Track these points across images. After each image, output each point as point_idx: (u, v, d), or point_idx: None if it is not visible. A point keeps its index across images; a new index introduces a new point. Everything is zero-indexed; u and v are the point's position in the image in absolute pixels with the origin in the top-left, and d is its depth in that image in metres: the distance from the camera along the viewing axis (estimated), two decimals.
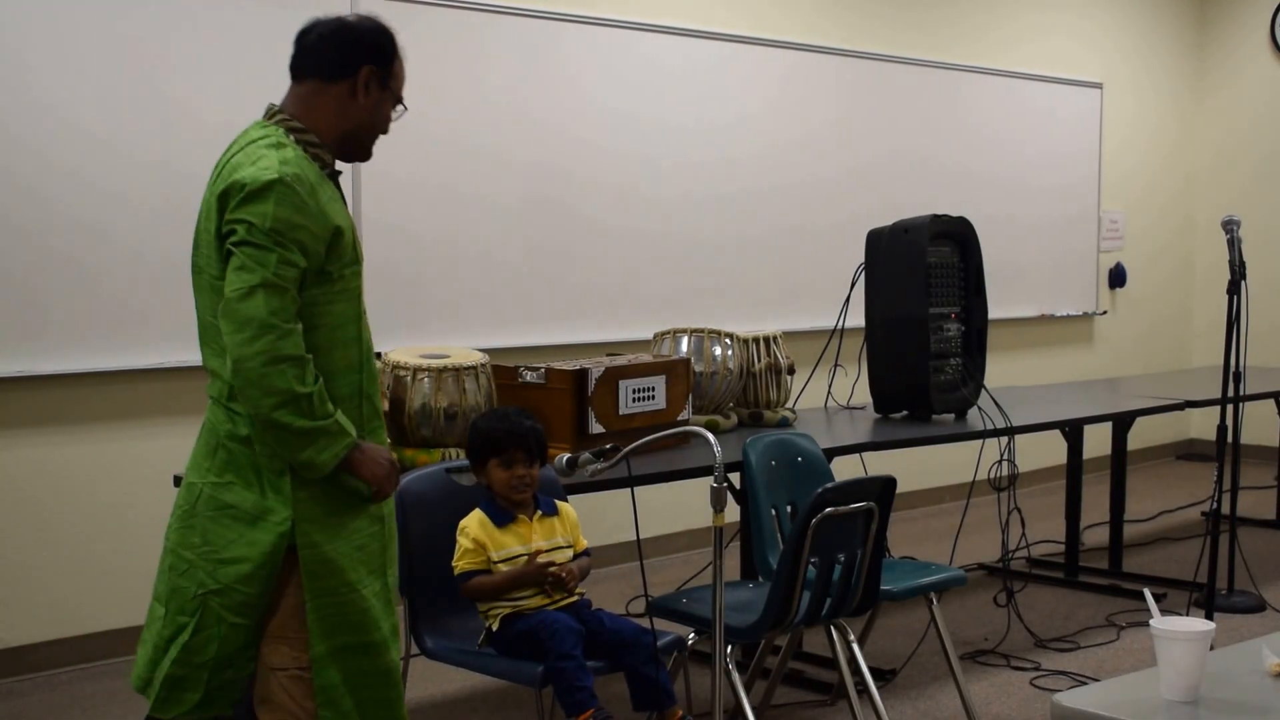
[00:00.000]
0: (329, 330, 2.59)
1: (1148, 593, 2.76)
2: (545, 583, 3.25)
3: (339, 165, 2.71)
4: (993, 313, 5.14)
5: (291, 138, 2.59)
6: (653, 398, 4.11)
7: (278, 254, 2.46)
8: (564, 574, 3.26)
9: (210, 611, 2.61)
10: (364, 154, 2.74)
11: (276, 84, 2.76)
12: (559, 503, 3.40)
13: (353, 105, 2.64)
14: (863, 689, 3.76)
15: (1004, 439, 4.70)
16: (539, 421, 3.36)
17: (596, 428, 3.92)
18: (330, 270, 2.57)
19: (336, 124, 2.64)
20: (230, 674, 2.67)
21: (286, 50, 2.72)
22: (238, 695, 2.71)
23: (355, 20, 2.69)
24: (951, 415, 4.92)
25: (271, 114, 2.65)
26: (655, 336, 4.67)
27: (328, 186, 2.60)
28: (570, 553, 3.34)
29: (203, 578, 2.62)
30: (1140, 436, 6.94)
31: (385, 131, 2.73)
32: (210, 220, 2.55)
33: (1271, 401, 6.37)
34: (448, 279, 5.46)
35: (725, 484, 2.84)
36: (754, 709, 3.54)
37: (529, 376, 3.95)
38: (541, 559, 3.26)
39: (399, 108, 2.74)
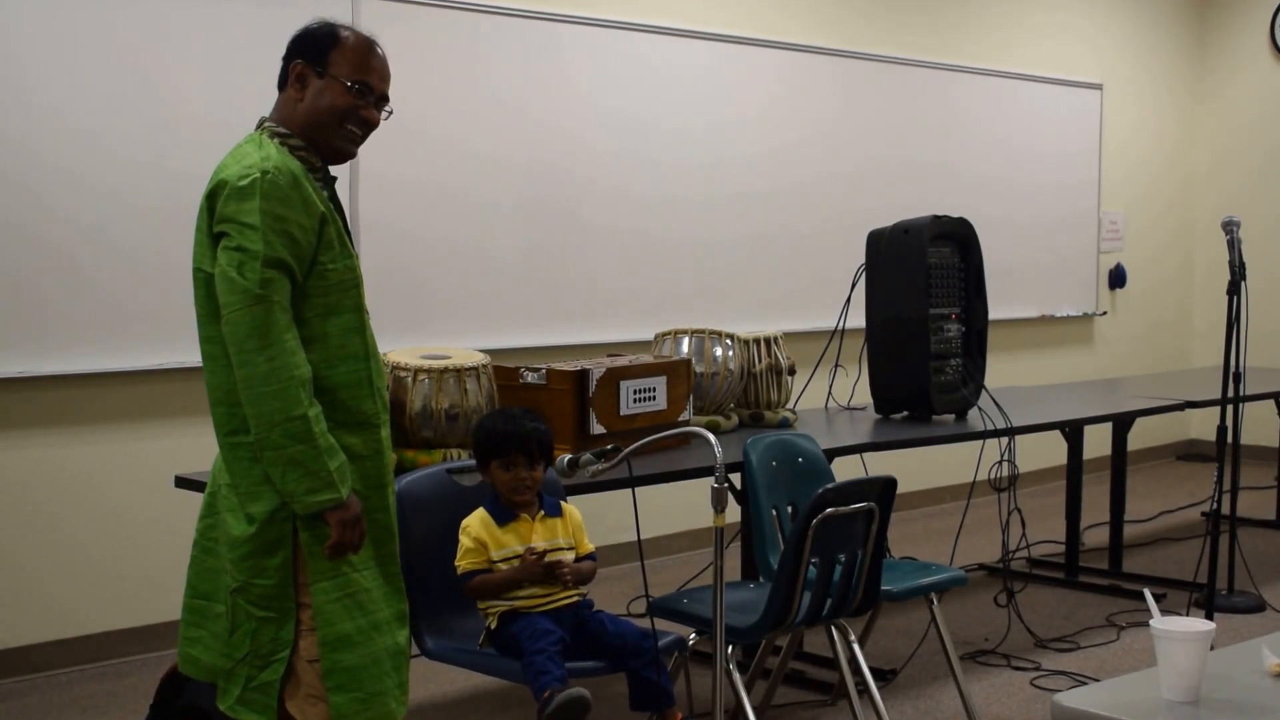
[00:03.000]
0: (327, 319, 2.65)
1: (1148, 593, 2.76)
2: (542, 576, 3.22)
3: (333, 171, 2.78)
4: (993, 313, 5.14)
5: (275, 141, 2.68)
6: (653, 398, 4.11)
7: (264, 257, 2.52)
8: (563, 571, 3.23)
9: (239, 608, 2.68)
10: (332, 149, 2.73)
11: (273, 83, 2.80)
12: (564, 504, 3.40)
13: (298, 103, 2.71)
14: (863, 689, 3.77)
15: (1004, 439, 4.70)
16: (545, 422, 3.36)
17: (597, 428, 3.93)
18: (322, 260, 2.63)
19: (297, 125, 2.71)
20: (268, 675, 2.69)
21: (284, 49, 2.78)
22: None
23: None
24: (952, 416, 4.92)
25: (260, 125, 2.75)
26: (656, 337, 4.67)
27: (311, 180, 2.66)
28: (571, 555, 3.32)
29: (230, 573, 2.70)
30: (1140, 437, 6.93)
31: (349, 119, 2.71)
32: (203, 218, 2.64)
33: (1271, 402, 6.37)
34: (448, 280, 5.46)
35: (726, 484, 2.84)
36: (755, 709, 3.54)
37: (530, 377, 3.95)
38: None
39: (386, 108, 2.77)
